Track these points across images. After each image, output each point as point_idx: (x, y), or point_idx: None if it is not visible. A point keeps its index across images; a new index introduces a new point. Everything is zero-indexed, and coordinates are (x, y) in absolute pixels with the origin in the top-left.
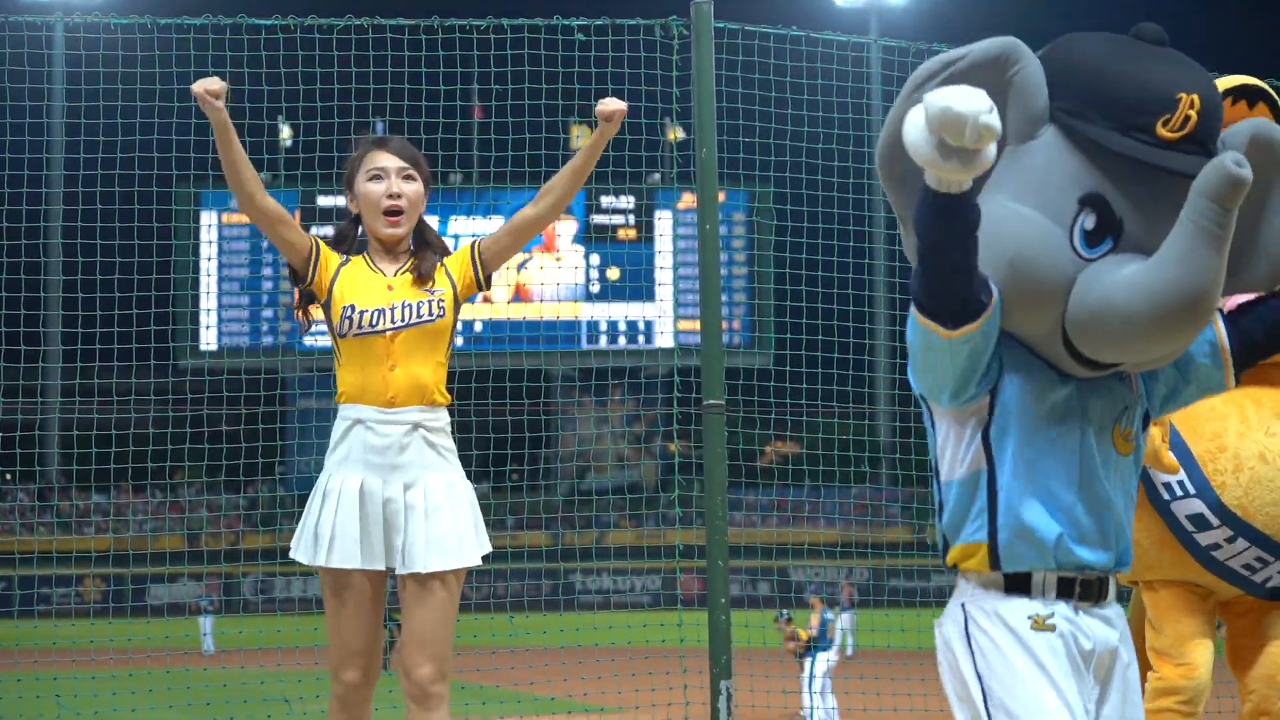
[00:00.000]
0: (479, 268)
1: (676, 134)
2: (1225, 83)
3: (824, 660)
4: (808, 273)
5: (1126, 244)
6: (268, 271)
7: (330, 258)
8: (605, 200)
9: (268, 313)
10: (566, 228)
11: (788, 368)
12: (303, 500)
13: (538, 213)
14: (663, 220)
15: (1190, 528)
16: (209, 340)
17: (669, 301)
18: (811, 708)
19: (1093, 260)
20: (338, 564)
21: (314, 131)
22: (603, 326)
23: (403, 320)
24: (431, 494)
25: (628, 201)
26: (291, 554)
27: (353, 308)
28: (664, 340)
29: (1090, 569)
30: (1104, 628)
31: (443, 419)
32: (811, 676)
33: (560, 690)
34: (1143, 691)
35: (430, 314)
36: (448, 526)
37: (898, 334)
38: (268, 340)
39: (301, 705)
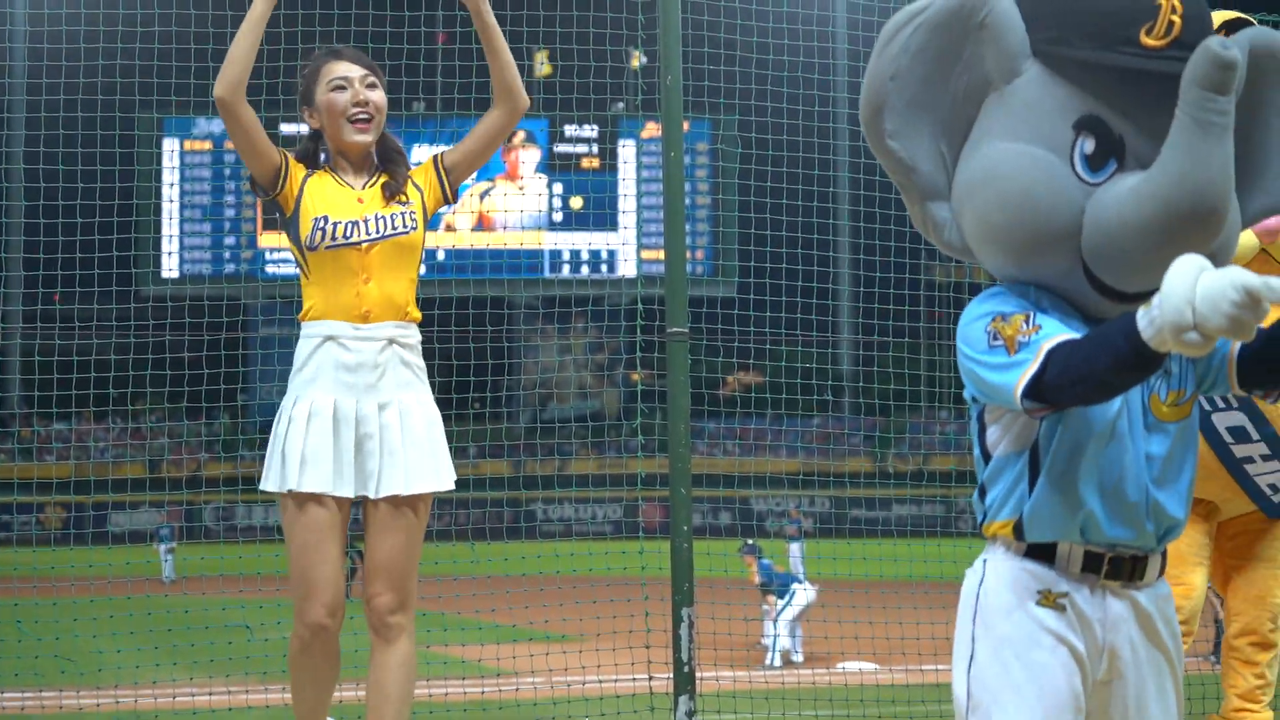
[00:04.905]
0: (444, 179)
1: (639, 60)
2: (1216, 18)
3: (803, 592)
4: (771, 201)
5: (1132, 162)
6: (230, 199)
7: (296, 169)
8: (569, 129)
9: (230, 240)
10: (530, 156)
11: (751, 296)
12: (265, 428)
13: (499, 110)
14: (626, 149)
15: (1229, 439)
16: (171, 267)
17: (632, 230)
18: (775, 636)
19: (1099, 184)
20: (309, 487)
21: (276, 58)
22: (565, 255)
23: (378, 232)
24: (408, 414)
25: (591, 130)
26: (261, 486)
27: (325, 219)
28: (627, 269)
29: (1122, 547)
30: (1127, 613)
31: (416, 336)
32: (786, 606)
33: (521, 618)
34: None
35: (404, 226)
36: (424, 449)
37: (860, 263)
38: (230, 268)
39: (262, 632)
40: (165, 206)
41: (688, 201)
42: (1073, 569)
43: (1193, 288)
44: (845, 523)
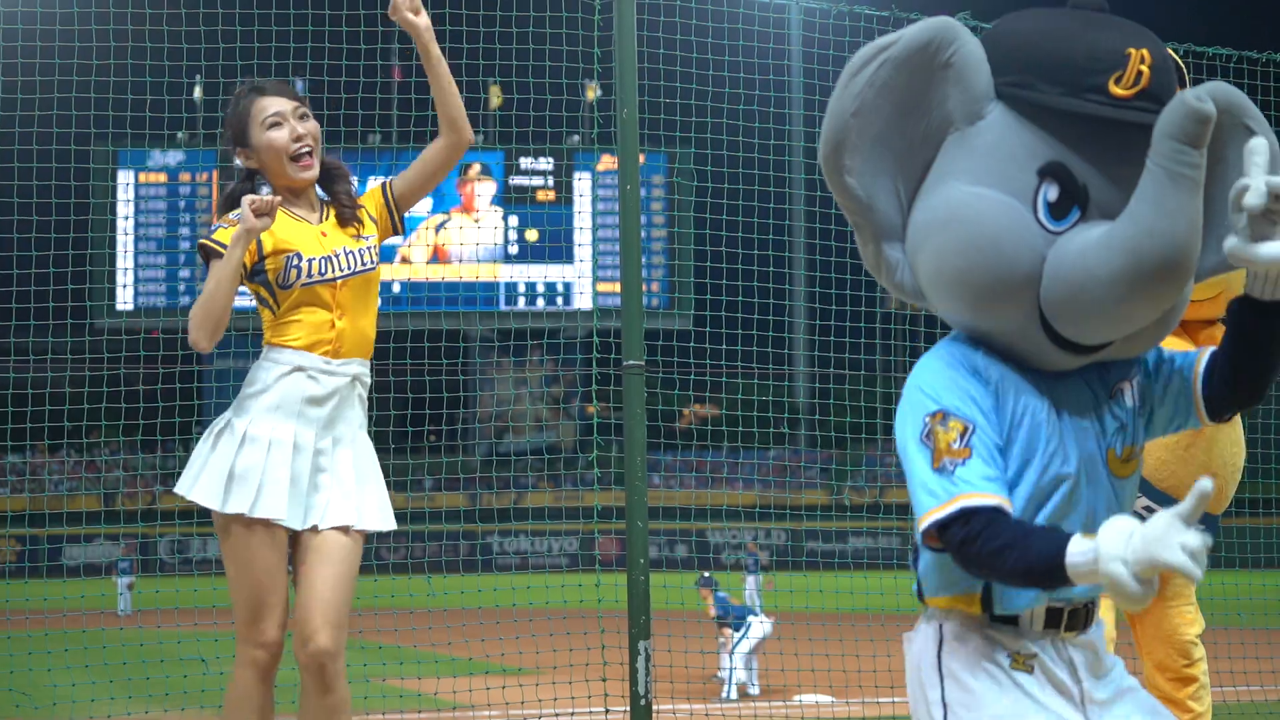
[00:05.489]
0: (394, 210)
1: (594, 92)
2: None
3: (759, 625)
4: (727, 234)
5: (1094, 211)
6: (184, 231)
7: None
8: (524, 162)
9: (184, 272)
10: (485, 188)
11: (707, 329)
12: None
13: (445, 142)
14: (582, 182)
15: None
16: (125, 299)
17: (588, 263)
18: (731, 669)
19: (1062, 232)
20: (265, 514)
21: (232, 91)
22: (521, 288)
23: (349, 268)
24: (360, 454)
25: (547, 163)
26: (188, 494)
27: (298, 256)
28: (583, 302)
29: (1077, 599)
30: (1087, 655)
31: (370, 376)
32: (742, 639)
33: (478, 651)
34: None
35: (370, 262)
36: (374, 488)
37: (816, 295)
38: (185, 300)
39: (218, 665)
40: (120, 238)
41: (644, 234)
42: (1035, 627)
43: (1134, 533)
44: (802, 555)
